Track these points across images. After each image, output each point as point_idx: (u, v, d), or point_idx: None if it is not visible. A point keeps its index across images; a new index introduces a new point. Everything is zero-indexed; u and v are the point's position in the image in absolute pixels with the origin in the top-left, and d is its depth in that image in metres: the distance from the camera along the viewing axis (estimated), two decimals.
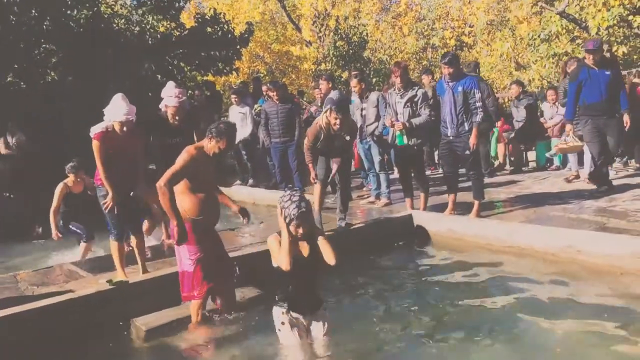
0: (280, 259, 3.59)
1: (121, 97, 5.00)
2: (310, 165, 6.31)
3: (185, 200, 4.25)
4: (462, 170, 6.89)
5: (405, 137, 6.70)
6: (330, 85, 8.52)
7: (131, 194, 5.17)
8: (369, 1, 23.52)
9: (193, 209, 4.27)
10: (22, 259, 7.26)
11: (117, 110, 4.92)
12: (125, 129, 4.96)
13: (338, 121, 5.93)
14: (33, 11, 10.79)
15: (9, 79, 11.01)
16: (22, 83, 11.03)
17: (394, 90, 6.89)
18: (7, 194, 9.19)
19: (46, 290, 4.93)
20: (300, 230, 3.62)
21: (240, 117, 9.95)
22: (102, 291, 4.53)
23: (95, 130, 4.97)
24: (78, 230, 6.73)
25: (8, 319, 4.10)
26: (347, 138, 6.17)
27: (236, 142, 10.14)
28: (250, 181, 10.43)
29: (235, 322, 4.39)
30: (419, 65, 21.93)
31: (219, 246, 4.53)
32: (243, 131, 9.92)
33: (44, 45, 11.41)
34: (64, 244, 7.08)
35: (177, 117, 5.58)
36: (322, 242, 3.67)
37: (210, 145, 4.29)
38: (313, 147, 6.21)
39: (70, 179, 6.66)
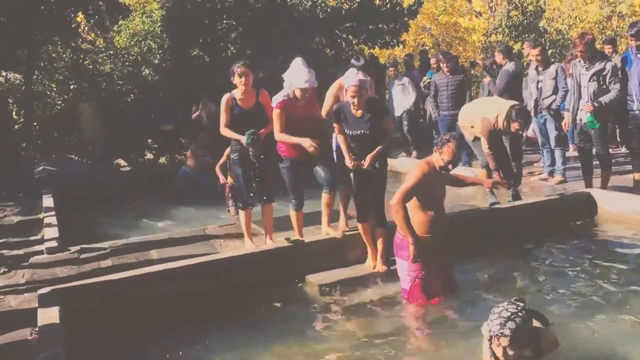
0: None
1: (301, 63, 4.93)
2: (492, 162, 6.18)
3: (412, 218, 4.13)
4: None
5: (595, 119, 6.22)
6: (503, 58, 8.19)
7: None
8: None
9: (420, 227, 4.14)
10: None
11: (298, 77, 4.87)
12: (307, 95, 4.95)
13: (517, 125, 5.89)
14: None
15: (194, 53, 12.08)
16: (205, 57, 12.03)
17: (579, 61, 6.41)
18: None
19: (231, 243, 5.42)
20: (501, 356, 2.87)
21: (400, 89, 10.19)
22: (280, 247, 4.89)
23: (277, 99, 5.02)
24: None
25: (197, 267, 4.60)
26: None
27: (399, 114, 10.35)
28: (414, 153, 10.43)
29: None
30: (602, 36, 20.08)
31: (443, 265, 4.34)
32: (405, 101, 9.98)
33: (225, 21, 12.26)
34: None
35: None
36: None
37: (435, 158, 4.09)
38: (491, 144, 6.07)
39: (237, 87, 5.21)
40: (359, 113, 4.56)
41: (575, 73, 6.44)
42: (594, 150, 6.67)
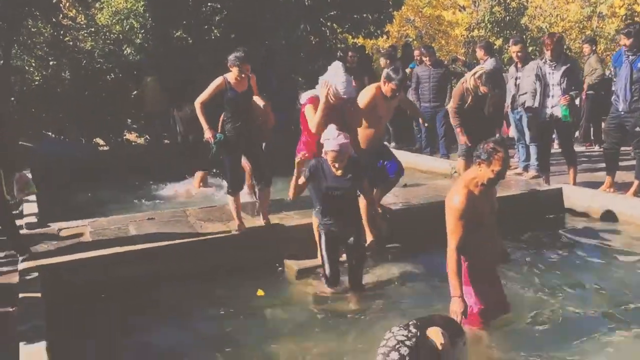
0: None
1: (342, 69, 4.79)
2: (458, 128, 6.35)
3: (466, 247, 3.55)
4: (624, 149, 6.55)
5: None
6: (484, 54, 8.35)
7: None
8: None
9: (473, 254, 3.59)
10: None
11: (337, 85, 4.70)
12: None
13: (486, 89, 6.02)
14: None
15: (177, 34, 12.01)
16: (189, 38, 11.97)
17: (544, 62, 6.68)
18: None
19: (211, 226, 5.48)
20: None
21: None
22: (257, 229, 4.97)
23: (307, 96, 5.02)
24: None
25: (178, 247, 4.68)
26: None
27: None
28: (392, 144, 10.55)
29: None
30: (582, 35, 20.43)
31: (497, 288, 3.82)
32: None
33: (210, 3, 12.20)
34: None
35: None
36: None
37: (481, 172, 3.47)
38: (459, 108, 6.24)
39: (232, 73, 5.20)
40: (339, 172, 4.25)
41: (541, 73, 6.68)
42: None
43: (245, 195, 6.11)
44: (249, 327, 4.04)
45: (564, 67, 6.56)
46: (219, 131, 5.24)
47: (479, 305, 3.59)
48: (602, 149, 7.21)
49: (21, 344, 3.10)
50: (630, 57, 6.21)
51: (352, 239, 4.38)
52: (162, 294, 4.44)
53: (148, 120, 10.92)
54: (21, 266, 4.22)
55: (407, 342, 2.62)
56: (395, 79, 4.91)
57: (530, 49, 15.81)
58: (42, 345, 3.08)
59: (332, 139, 4.15)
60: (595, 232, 5.66)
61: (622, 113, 6.30)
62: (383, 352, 2.63)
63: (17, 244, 4.74)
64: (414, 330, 2.69)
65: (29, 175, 7.31)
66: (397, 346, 2.60)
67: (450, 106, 6.51)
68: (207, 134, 5.11)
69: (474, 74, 6.17)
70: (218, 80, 5.18)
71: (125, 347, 3.85)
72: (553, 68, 6.60)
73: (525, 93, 7.54)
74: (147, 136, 12.01)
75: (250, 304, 4.35)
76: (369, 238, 4.80)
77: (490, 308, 3.65)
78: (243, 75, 5.13)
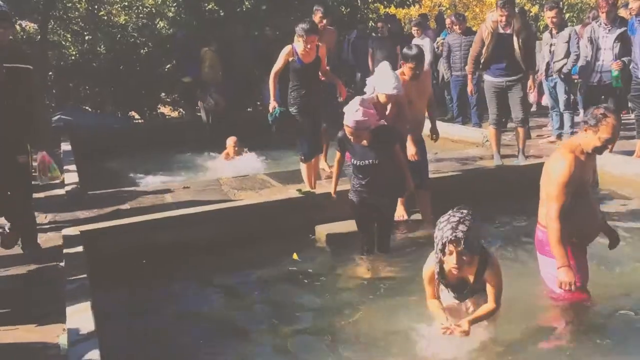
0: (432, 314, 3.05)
1: (389, 68, 4.77)
2: (469, 75, 6.77)
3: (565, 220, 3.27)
4: None
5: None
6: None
7: None
8: None
9: (576, 225, 3.30)
10: None
11: (386, 83, 4.69)
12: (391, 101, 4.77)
13: (504, 18, 5.97)
14: None
15: (209, 7, 12.08)
16: (220, 11, 12.03)
17: (599, 25, 6.51)
18: None
19: (244, 194, 5.62)
20: (454, 263, 2.83)
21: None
22: (292, 198, 5.08)
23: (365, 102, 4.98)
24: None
25: (213, 213, 4.82)
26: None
27: None
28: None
29: None
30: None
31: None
32: None
33: None
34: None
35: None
36: (489, 283, 2.96)
37: (587, 138, 3.25)
38: (478, 55, 6.33)
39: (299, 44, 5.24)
40: (364, 142, 4.18)
41: (594, 36, 6.52)
42: None
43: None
44: (284, 292, 4.14)
45: (618, 31, 6.40)
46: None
47: (578, 281, 3.31)
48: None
49: (67, 301, 3.29)
50: None
51: (382, 206, 4.40)
52: (199, 260, 4.59)
53: (204, 88, 10.70)
54: (65, 232, 4.41)
55: (467, 217, 2.80)
56: (411, 57, 4.80)
57: (567, 15, 15.38)
58: (87, 303, 3.26)
59: (349, 113, 4.07)
60: (629, 199, 5.60)
61: None
62: (451, 227, 2.76)
63: (27, 236, 4.57)
64: (466, 211, 2.85)
65: (68, 147, 7.60)
66: (462, 220, 2.78)
67: (471, 51, 6.49)
68: (271, 105, 5.27)
69: (492, 11, 6.09)
70: (287, 49, 5.29)
71: (164, 312, 4.00)
72: (607, 32, 6.45)
73: (560, 59, 7.43)
74: (181, 110, 12.18)
75: (284, 268, 4.47)
76: (399, 209, 4.86)
77: (585, 284, 3.43)
78: (309, 47, 5.16)
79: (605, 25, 6.43)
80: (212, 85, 9.80)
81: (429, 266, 3.04)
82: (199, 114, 10.21)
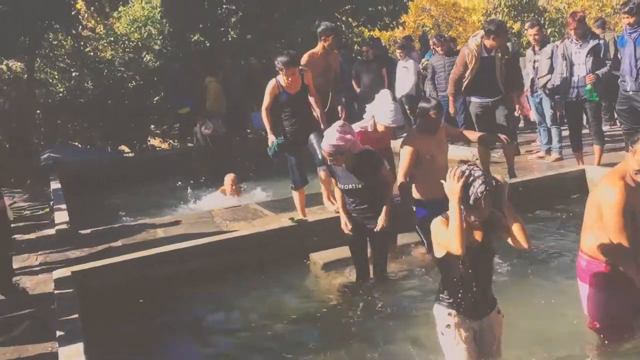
0: (451, 241, 2.72)
1: (389, 97, 4.80)
2: (450, 97, 6.83)
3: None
4: None
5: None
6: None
7: None
8: None
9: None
10: None
11: (384, 113, 4.73)
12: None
13: (495, 45, 6.09)
14: None
15: (195, 38, 12.17)
16: (206, 42, 12.12)
17: (571, 41, 6.59)
18: None
19: (237, 225, 5.59)
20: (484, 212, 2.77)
21: (403, 72, 10.08)
22: (284, 227, 5.06)
23: (354, 128, 4.75)
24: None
25: (208, 246, 4.79)
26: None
27: (399, 97, 10.43)
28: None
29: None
30: (602, 13, 20.07)
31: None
32: (405, 85, 10.01)
33: (225, 6, 12.33)
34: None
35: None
36: (516, 227, 2.81)
37: (629, 162, 3.05)
38: (459, 77, 6.41)
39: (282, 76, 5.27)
40: (344, 165, 4.15)
41: (567, 53, 6.60)
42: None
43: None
44: (281, 322, 4.11)
45: (589, 45, 6.48)
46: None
47: (620, 319, 3.22)
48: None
49: (59, 343, 3.24)
50: (632, 34, 6.06)
51: (374, 229, 4.31)
52: (192, 292, 4.55)
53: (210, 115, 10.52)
54: (56, 274, 4.36)
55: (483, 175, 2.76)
56: (430, 108, 4.48)
57: (549, 30, 15.60)
58: (79, 345, 3.21)
59: (327, 137, 4.08)
60: None
61: (631, 93, 6.15)
62: (479, 182, 2.71)
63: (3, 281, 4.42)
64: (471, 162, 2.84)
65: (57, 185, 7.55)
66: (474, 169, 2.77)
67: (451, 75, 6.55)
68: (270, 139, 5.34)
69: (475, 35, 6.15)
70: (271, 84, 5.33)
71: (157, 347, 3.96)
72: (579, 47, 6.52)
73: (544, 75, 7.50)
74: (170, 141, 12.17)
75: (278, 298, 4.44)
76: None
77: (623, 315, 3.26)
78: (290, 79, 5.19)
79: (577, 41, 6.53)
80: (216, 116, 9.77)
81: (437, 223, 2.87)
82: (190, 144, 10.11)
